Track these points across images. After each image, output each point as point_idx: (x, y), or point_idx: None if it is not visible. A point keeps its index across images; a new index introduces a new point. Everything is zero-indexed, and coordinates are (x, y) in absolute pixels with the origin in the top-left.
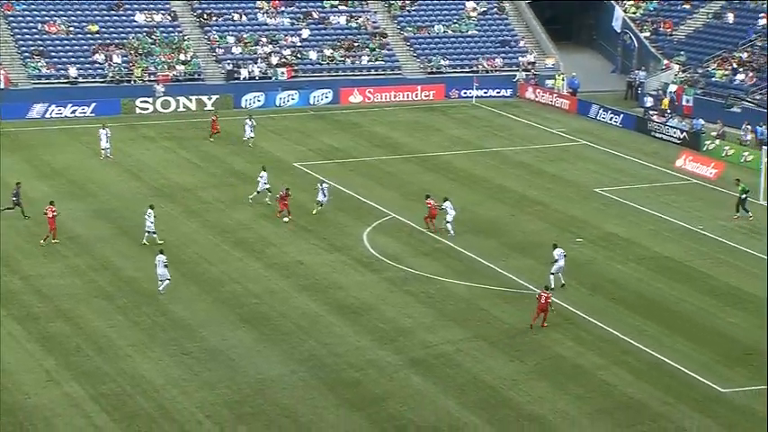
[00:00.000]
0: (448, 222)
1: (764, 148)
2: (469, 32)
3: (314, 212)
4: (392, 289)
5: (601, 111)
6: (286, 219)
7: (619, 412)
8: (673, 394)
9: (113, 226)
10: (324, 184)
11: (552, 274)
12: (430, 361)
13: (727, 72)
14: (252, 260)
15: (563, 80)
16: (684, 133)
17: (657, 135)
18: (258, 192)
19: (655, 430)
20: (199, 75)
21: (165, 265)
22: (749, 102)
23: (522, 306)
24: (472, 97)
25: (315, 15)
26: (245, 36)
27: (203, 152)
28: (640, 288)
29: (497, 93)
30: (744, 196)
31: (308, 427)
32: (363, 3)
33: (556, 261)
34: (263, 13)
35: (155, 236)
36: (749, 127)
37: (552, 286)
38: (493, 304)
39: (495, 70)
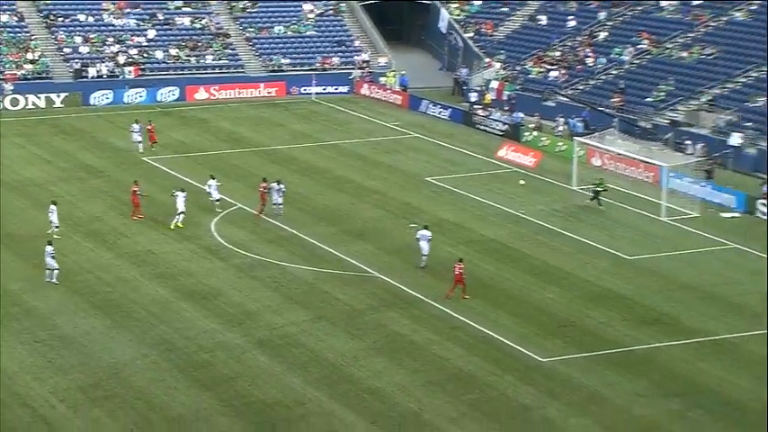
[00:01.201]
0: (274, 204)
1: (576, 139)
2: (308, 33)
3: (220, 211)
4: (239, 275)
5: (430, 105)
6: (139, 216)
7: (450, 383)
8: (499, 365)
9: None
10: (213, 181)
11: (425, 255)
12: (276, 341)
13: (542, 69)
14: (104, 250)
15: (394, 77)
16: (506, 126)
17: (481, 127)
18: (217, 200)
19: (483, 399)
20: (47, 74)
21: (53, 257)
22: (562, 96)
23: (362, 288)
24: (312, 94)
25: (160, 17)
26: (92, 36)
27: (54, 148)
28: (469, 268)
29: (335, 89)
30: (599, 190)
31: (160, 408)
32: (207, 4)
33: (418, 240)
34: (109, 15)
35: (56, 230)
36: (562, 119)
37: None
38: (334, 287)
39: (333, 68)
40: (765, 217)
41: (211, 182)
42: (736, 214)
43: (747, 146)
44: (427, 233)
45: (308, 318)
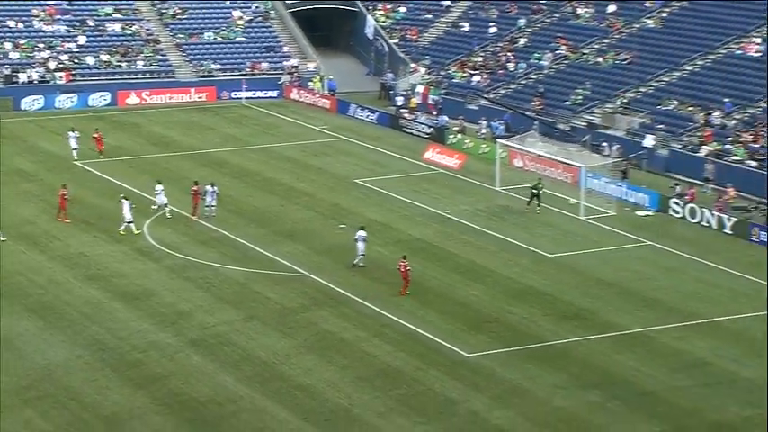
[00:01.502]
0: (207, 206)
1: (498, 141)
2: (237, 39)
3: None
4: (172, 276)
5: (358, 110)
6: (66, 220)
7: (379, 379)
8: (425, 360)
9: None
10: (160, 187)
11: (361, 255)
12: (208, 341)
13: (465, 74)
14: (36, 253)
15: (322, 82)
16: (431, 129)
17: (408, 131)
18: (166, 205)
19: (410, 394)
20: None
21: None
22: (485, 99)
23: (292, 288)
24: (242, 98)
25: (90, 23)
26: (22, 42)
27: None
28: (396, 267)
29: (265, 94)
30: (537, 192)
31: (93, 407)
32: (137, 11)
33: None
34: (40, 21)
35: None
36: (485, 122)
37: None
38: (265, 287)
39: (262, 73)
40: (678, 215)
41: (158, 187)
42: (650, 213)
43: (660, 147)
44: (363, 234)
45: (239, 317)
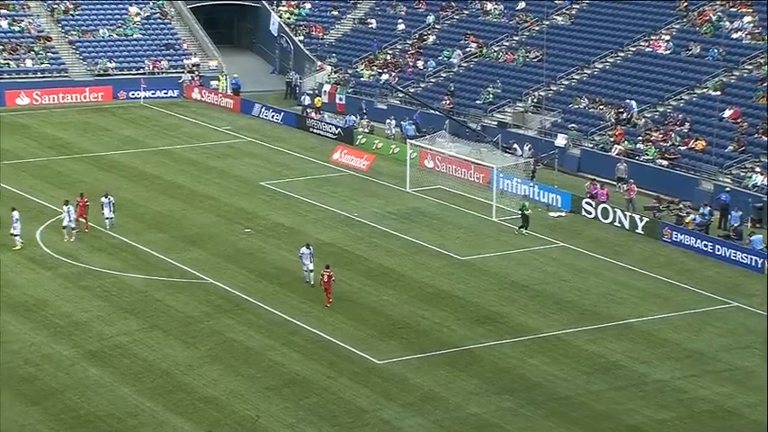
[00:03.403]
0: (106, 218)
1: (409, 141)
2: (134, 36)
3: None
4: (67, 285)
5: (263, 109)
6: None
7: (287, 389)
8: (336, 368)
9: None
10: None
11: (310, 272)
12: (107, 352)
13: (373, 72)
14: None
15: (226, 81)
16: (339, 129)
17: (315, 131)
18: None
19: (320, 403)
20: None
21: None
22: (400, 91)
23: (196, 295)
24: (140, 98)
25: None
26: None
27: None
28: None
29: (165, 93)
30: (525, 214)
31: None
32: (25, 6)
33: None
34: None
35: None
36: (393, 122)
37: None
38: (167, 294)
39: (162, 72)
40: (591, 216)
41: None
42: (563, 213)
43: (571, 147)
44: (307, 251)
45: (140, 327)
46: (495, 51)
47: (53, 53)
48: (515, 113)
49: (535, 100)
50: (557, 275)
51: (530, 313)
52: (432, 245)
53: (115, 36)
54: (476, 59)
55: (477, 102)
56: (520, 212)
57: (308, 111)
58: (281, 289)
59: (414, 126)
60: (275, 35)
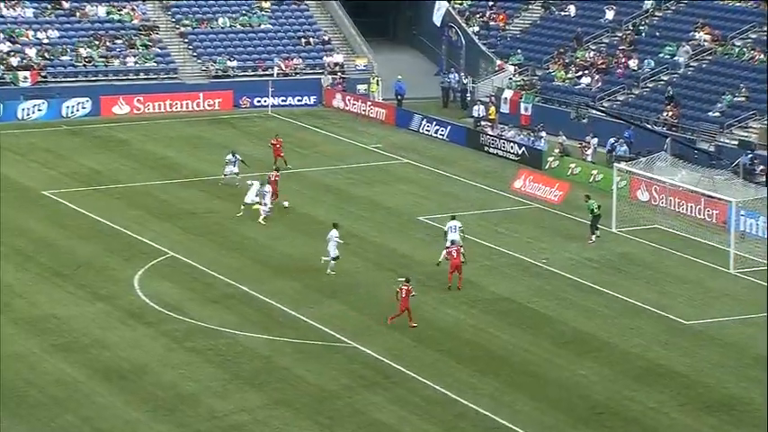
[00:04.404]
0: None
1: (616, 166)
2: (262, 26)
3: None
4: (171, 346)
5: (425, 122)
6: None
7: None
8: None
9: None
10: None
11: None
12: None
13: (569, 75)
14: None
15: (378, 84)
16: (523, 148)
17: (492, 151)
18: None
19: None
20: None
21: None
22: (597, 111)
23: (333, 363)
24: (267, 106)
25: (65, 5)
26: None
27: None
28: (475, 337)
29: (298, 101)
30: (595, 214)
31: None
32: None
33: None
34: None
35: None
36: (596, 140)
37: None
38: (297, 361)
39: (296, 73)
40: None
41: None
42: None
43: None
44: (335, 233)
45: (262, 402)
46: (737, 47)
47: (160, 49)
48: (763, 130)
49: None
50: None
51: None
52: (646, 304)
53: (238, 27)
54: (710, 57)
55: (711, 114)
56: (590, 214)
57: (483, 124)
58: (444, 357)
59: (626, 146)
60: (440, 26)
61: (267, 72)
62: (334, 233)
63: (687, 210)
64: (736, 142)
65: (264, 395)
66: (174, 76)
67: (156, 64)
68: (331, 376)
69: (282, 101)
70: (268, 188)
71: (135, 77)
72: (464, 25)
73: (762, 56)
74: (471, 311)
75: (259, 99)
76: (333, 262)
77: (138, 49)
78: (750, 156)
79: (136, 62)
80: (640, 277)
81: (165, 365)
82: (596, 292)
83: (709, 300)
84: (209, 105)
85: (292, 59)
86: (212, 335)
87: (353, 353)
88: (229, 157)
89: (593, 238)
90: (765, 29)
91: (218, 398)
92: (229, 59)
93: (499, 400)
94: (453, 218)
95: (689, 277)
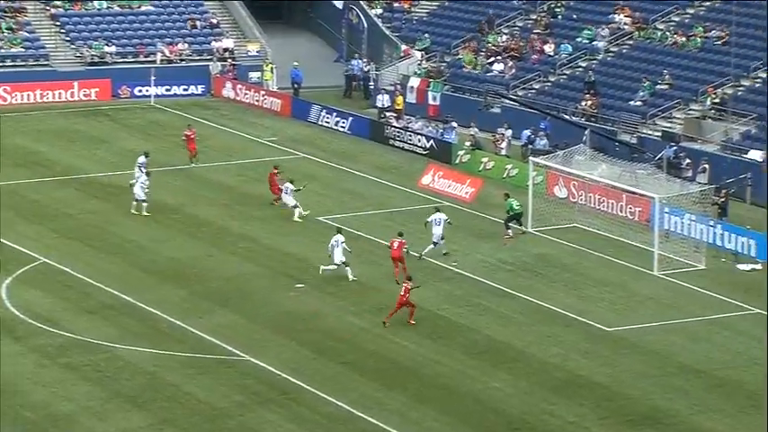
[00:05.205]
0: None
1: (531, 160)
2: (143, 8)
3: None
4: (44, 362)
5: (324, 113)
6: None
7: None
8: None
9: None
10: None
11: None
12: None
13: (480, 61)
14: None
15: (272, 72)
16: (431, 141)
17: (398, 144)
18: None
19: None
20: None
21: None
22: (510, 100)
23: (225, 378)
24: (150, 96)
25: None
26: None
27: None
28: (381, 347)
29: (184, 90)
30: (516, 212)
31: None
32: None
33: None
34: None
35: None
36: (509, 131)
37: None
38: (184, 376)
39: (181, 60)
40: None
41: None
42: (758, 266)
43: None
44: (341, 238)
45: (147, 423)
46: (659, 30)
47: (28, 32)
48: (688, 120)
49: (717, 100)
50: (748, 356)
51: (709, 411)
52: (565, 309)
53: (116, 8)
54: (630, 42)
55: (633, 103)
56: (508, 213)
57: (387, 115)
58: (347, 370)
59: (546, 139)
60: (340, 8)
61: (149, 59)
62: (339, 238)
63: (608, 207)
64: (660, 134)
65: (149, 414)
66: (45, 62)
67: (24, 49)
68: (222, 393)
69: (166, 90)
70: (288, 185)
71: (0, 64)
72: (366, 7)
73: (683, 38)
74: (375, 319)
75: (140, 88)
76: (347, 267)
77: (2, 32)
78: (674, 148)
79: (1, 47)
80: (558, 280)
81: (36, 384)
82: (511, 297)
83: (631, 304)
84: (84, 95)
85: (177, 45)
86: (90, 349)
87: (247, 367)
88: (141, 159)
89: (510, 233)
90: (690, 11)
91: (96, 419)
92: (107, 44)
93: (407, 416)
94: (438, 210)
95: (610, 280)
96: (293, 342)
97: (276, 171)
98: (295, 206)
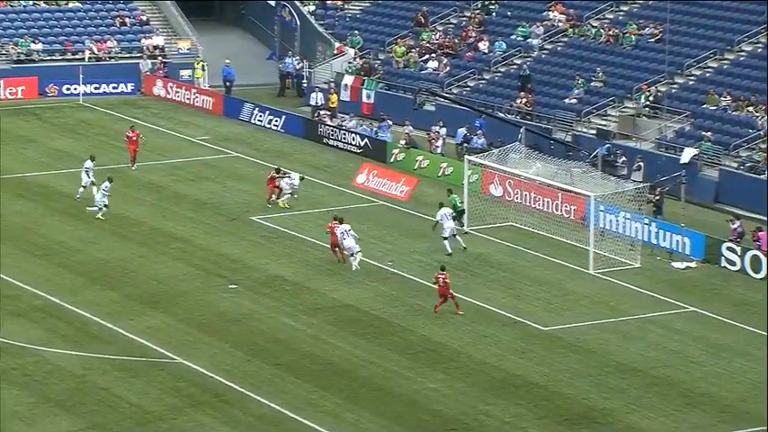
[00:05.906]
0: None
1: (467, 158)
2: (70, 4)
3: None
4: None
5: (257, 111)
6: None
7: None
8: None
9: None
10: None
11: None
12: None
13: (415, 58)
14: None
15: (204, 69)
16: (366, 140)
17: (331, 143)
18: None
19: None
20: None
21: None
22: (442, 98)
23: (157, 381)
24: (78, 95)
25: None
26: None
27: None
28: (315, 348)
29: (114, 88)
30: (459, 209)
31: None
32: None
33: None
34: None
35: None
36: (444, 130)
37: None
38: (115, 380)
39: (110, 57)
40: (734, 268)
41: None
42: (693, 264)
43: (704, 167)
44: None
45: (76, 428)
46: (593, 27)
47: None
48: (623, 118)
49: (651, 98)
50: (684, 355)
51: (644, 410)
52: (501, 309)
53: (42, 5)
54: (565, 39)
55: (567, 101)
56: (452, 211)
57: (321, 113)
58: (281, 371)
59: (483, 138)
60: (273, 5)
61: (77, 56)
62: (345, 227)
63: (543, 205)
64: (594, 132)
65: (79, 419)
66: None
67: None
68: (155, 396)
69: (96, 89)
70: (294, 175)
71: None
72: (298, 4)
73: (615, 31)
74: (311, 321)
75: (68, 87)
76: (353, 256)
77: None
78: (608, 146)
79: None
80: (494, 280)
81: None
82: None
83: (567, 303)
84: (10, 94)
85: (106, 42)
86: (17, 353)
87: (179, 369)
88: (88, 163)
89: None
90: (624, 8)
91: (24, 424)
92: (33, 42)
93: (342, 417)
94: (442, 205)
95: (546, 279)
96: (226, 344)
97: (278, 175)
98: (291, 194)
